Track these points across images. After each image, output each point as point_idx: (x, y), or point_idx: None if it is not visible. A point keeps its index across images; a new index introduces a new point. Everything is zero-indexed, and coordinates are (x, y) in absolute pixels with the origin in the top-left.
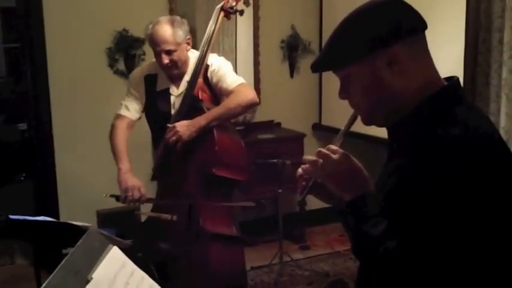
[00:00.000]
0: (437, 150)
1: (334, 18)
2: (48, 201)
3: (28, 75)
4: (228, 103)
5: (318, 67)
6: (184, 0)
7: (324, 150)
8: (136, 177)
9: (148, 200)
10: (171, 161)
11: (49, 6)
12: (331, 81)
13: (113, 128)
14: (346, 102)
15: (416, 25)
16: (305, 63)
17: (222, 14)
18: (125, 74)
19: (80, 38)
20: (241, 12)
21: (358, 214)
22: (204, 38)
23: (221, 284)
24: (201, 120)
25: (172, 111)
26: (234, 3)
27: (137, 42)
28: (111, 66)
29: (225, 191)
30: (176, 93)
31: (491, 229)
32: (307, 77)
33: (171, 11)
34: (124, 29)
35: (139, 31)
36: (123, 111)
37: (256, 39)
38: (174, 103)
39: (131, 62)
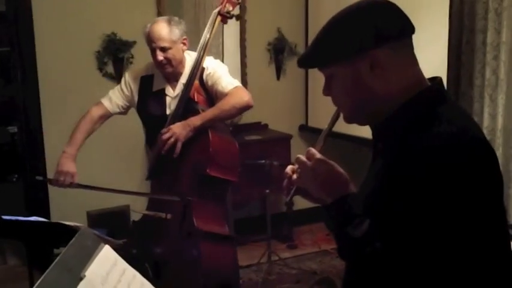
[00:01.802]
0: (422, 150)
1: (319, 21)
2: (39, 202)
3: (18, 78)
4: (223, 105)
5: (302, 64)
6: (172, 4)
7: (301, 157)
8: (74, 164)
9: (79, 186)
10: (166, 161)
11: (38, 10)
12: (318, 83)
13: (86, 112)
14: (332, 104)
15: (403, 30)
16: (291, 65)
17: (218, 18)
18: (113, 77)
19: (69, 41)
20: (238, 17)
21: (339, 216)
22: (201, 41)
23: (212, 282)
24: (196, 121)
25: (168, 112)
26: (230, 8)
27: (125, 45)
28: (100, 69)
29: (217, 191)
30: (172, 94)
31: (479, 229)
32: (294, 79)
33: (159, 14)
34: (112, 33)
35: (127, 34)
36: (104, 101)
37: (243, 41)
38: (169, 104)
39: (120, 65)
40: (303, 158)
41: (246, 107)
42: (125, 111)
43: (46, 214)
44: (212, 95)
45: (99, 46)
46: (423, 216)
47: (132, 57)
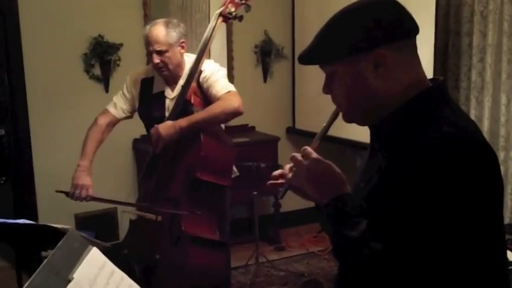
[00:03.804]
0: (422, 150)
1: (306, 24)
2: (26, 205)
3: (5, 81)
4: (212, 108)
5: (304, 60)
6: (159, 7)
7: (297, 155)
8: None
9: (95, 199)
10: (158, 163)
11: (25, 13)
12: (305, 86)
13: (94, 122)
14: (319, 107)
15: (409, 29)
16: (278, 68)
17: (220, 19)
18: (100, 79)
19: (56, 44)
20: (240, 18)
21: (335, 216)
22: (201, 42)
23: (200, 286)
24: (182, 122)
25: (167, 114)
26: (232, 9)
27: (112, 48)
28: (87, 71)
29: (210, 195)
30: (171, 96)
31: (477, 231)
32: (281, 81)
33: (145, 17)
34: (99, 35)
35: (114, 37)
36: (110, 107)
37: (230, 44)
38: (168, 106)
39: (107, 68)
40: (298, 156)
41: (236, 113)
42: (130, 114)
43: (34, 217)
44: (208, 98)
45: (86, 49)
46: (421, 216)
47: (119, 59)
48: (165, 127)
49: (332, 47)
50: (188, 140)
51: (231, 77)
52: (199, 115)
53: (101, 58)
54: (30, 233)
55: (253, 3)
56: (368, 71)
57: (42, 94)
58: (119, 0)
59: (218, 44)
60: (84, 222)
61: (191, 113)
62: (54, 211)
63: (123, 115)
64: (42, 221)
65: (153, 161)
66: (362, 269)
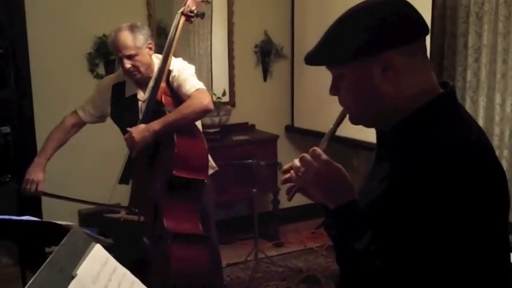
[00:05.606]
0: (433, 158)
1: (305, 24)
2: (31, 202)
3: (11, 80)
4: (182, 109)
5: (310, 60)
6: (162, 7)
7: (306, 156)
8: (43, 173)
9: (45, 194)
10: (136, 166)
11: (31, 14)
12: (303, 85)
13: (61, 121)
14: (317, 106)
15: (417, 32)
16: (278, 67)
17: (183, 18)
18: None
19: (61, 43)
20: (202, 16)
21: (341, 224)
22: (167, 42)
23: (185, 282)
24: (154, 125)
25: (141, 116)
26: (193, 7)
27: None
28: (91, 70)
29: (189, 191)
30: (143, 98)
31: (486, 242)
32: (280, 80)
33: (149, 17)
34: (104, 35)
35: None
36: (78, 109)
37: (231, 44)
38: (141, 108)
39: (111, 67)
40: (308, 157)
41: (206, 111)
42: (98, 119)
43: (38, 214)
44: (179, 97)
45: (90, 48)
46: (429, 223)
47: None
48: (139, 131)
49: (339, 48)
50: (162, 140)
51: (232, 76)
52: (170, 116)
53: (105, 57)
54: (35, 229)
55: (253, 5)
56: (376, 74)
57: (47, 93)
58: (123, 0)
59: (220, 44)
60: (87, 219)
61: (163, 113)
62: (58, 208)
63: (90, 119)
64: (46, 218)
65: (129, 164)
66: (364, 279)
